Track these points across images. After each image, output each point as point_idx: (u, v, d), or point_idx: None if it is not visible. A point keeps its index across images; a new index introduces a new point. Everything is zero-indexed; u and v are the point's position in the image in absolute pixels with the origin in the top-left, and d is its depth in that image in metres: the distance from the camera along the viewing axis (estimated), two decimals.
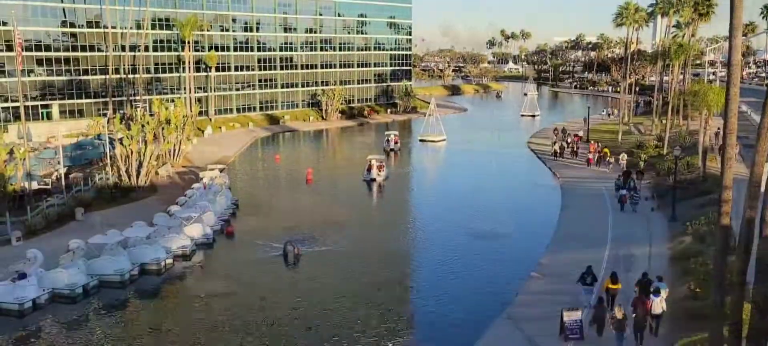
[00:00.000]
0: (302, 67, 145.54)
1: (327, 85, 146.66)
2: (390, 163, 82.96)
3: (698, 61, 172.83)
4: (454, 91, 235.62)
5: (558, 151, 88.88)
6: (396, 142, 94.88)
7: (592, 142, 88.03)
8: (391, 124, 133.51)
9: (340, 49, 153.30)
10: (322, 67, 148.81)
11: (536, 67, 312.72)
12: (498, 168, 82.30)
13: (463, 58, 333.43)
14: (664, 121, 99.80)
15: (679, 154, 56.60)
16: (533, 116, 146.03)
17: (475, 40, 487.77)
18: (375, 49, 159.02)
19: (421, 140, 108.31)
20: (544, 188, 71.14)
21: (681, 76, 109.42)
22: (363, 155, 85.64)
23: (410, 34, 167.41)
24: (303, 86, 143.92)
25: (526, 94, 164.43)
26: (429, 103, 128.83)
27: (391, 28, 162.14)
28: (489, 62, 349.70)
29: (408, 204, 66.47)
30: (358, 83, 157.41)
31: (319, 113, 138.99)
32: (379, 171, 73.62)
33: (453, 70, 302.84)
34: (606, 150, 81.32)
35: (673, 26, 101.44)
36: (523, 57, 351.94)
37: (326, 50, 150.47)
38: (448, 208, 62.75)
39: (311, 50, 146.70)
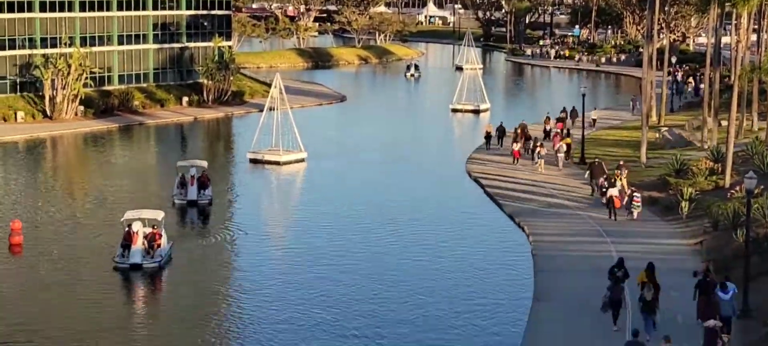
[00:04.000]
0: None
1: (56, 46, 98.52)
2: (183, 223, 57.71)
3: None
4: (320, 59, 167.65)
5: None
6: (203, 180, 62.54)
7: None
8: (191, 127, 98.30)
9: None
10: (43, 11, 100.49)
11: (482, 15, 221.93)
12: (407, 228, 57.68)
13: None
14: (724, 123, 75.83)
15: (754, 187, 42.00)
16: (476, 112, 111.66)
17: None
18: None
19: (252, 161, 77.97)
20: (497, 268, 48.55)
21: (754, 36, 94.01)
22: (122, 201, 59.66)
23: None
24: (2, 50, 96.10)
25: (459, 69, 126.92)
26: (268, 85, 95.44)
27: None
28: (389, 3, 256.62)
29: (218, 300, 43.61)
30: (122, 45, 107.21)
31: (38, 105, 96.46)
32: (151, 249, 49.37)
33: (316, 21, 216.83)
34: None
35: None
36: None
37: None
38: (309, 315, 40.32)
39: None
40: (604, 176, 61.28)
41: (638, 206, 56.26)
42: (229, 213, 59.93)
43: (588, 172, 66.12)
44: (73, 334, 37.84)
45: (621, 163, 64.43)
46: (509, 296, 43.85)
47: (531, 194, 63.12)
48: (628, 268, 39.42)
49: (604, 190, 59.49)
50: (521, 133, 79.27)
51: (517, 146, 74.78)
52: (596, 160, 68.22)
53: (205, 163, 62.86)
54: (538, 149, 71.84)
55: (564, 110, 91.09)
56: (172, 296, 44.45)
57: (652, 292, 35.97)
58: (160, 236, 47.54)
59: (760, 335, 36.05)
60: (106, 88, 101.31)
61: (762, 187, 50.41)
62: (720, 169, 61.65)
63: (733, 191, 55.60)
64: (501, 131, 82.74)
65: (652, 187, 61.73)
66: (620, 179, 60.28)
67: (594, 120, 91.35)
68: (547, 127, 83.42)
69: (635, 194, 57.20)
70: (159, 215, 49.12)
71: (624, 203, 57.25)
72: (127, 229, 47.24)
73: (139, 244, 46.11)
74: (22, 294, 43.17)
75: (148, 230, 47.58)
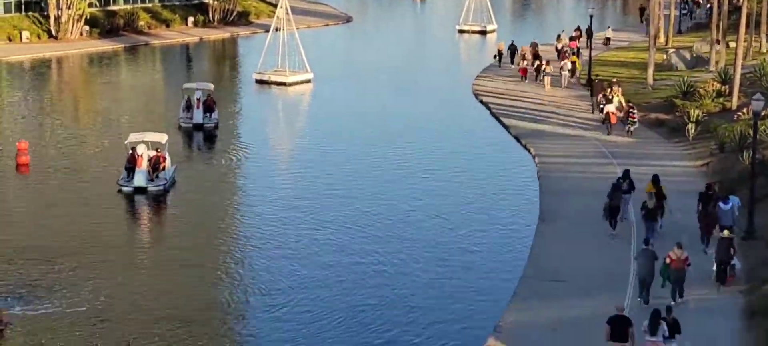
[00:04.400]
0: None
1: None
2: (189, 147, 57.97)
3: None
4: None
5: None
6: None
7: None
8: (196, 48, 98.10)
9: None
10: None
11: None
12: (416, 147, 57.40)
13: None
14: (732, 45, 75.34)
15: (761, 109, 41.01)
16: (483, 32, 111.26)
17: None
18: None
19: (258, 82, 78.58)
20: (501, 180, 48.47)
21: None
22: (127, 123, 60.26)
23: None
24: None
25: None
26: (274, 5, 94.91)
27: None
28: None
29: (223, 224, 43.60)
30: None
31: (43, 25, 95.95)
32: (155, 171, 48.19)
33: None
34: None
35: None
36: None
37: None
38: (313, 239, 40.02)
39: None
40: (603, 93, 61.90)
41: (635, 123, 57.04)
42: (235, 136, 59.70)
43: (589, 89, 66.52)
44: (76, 253, 38.36)
45: (614, 80, 65.39)
46: (515, 217, 44.01)
47: (537, 114, 63.01)
48: (634, 183, 40.12)
49: (601, 107, 60.20)
50: (531, 53, 79.13)
51: (524, 64, 74.62)
52: (597, 77, 68.69)
53: (211, 86, 62.53)
54: (543, 67, 71.83)
55: (578, 29, 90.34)
56: (176, 219, 44.68)
57: (653, 200, 37.00)
58: (165, 158, 47.18)
59: (765, 256, 35.98)
60: (112, 8, 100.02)
61: None
62: (727, 91, 61.48)
63: (739, 113, 55.39)
64: (512, 50, 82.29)
65: (659, 109, 61.47)
66: (617, 96, 61.32)
67: (608, 39, 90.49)
68: (560, 46, 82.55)
69: (632, 110, 57.72)
70: (163, 137, 48.69)
71: (621, 118, 58.30)
72: (131, 152, 46.96)
73: (143, 167, 45.95)
74: (28, 213, 43.42)
75: (152, 152, 47.21)
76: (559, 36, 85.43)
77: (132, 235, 42.29)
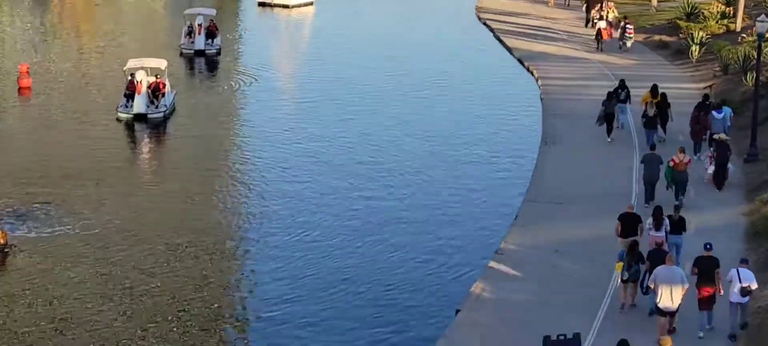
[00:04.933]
0: None
1: None
2: (191, 73, 57.52)
3: None
4: None
5: None
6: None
7: None
8: None
9: None
10: None
11: None
12: (417, 72, 57.16)
13: None
14: None
15: (765, 31, 39.80)
16: None
17: None
18: None
19: (260, 4, 78.02)
20: (503, 102, 48.47)
21: None
22: (129, 49, 58.62)
23: None
24: None
25: None
26: None
27: None
28: None
29: (221, 151, 43.44)
30: None
31: None
32: (155, 97, 47.34)
33: None
34: None
35: None
36: None
37: None
38: (314, 162, 40.05)
39: None
40: (596, 9, 62.43)
41: (631, 37, 57.58)
42: (237, 62, 59.41)
43: (584, 5, 66.80)
44: (75, 177, 38.38)
45: None
46: (519, 139, 44.09)
47: (541, 37, 62.98)
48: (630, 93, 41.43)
49: (594, 22, 61.22)
50: None
51: None
52: None
53: (213, 12, 62.06)
54: None
55: None
56: (174, 145, 44.57)
57: (654, 109, 38.31)
58: (164, 85, 46.69)
59: (767, 177, 35.85)
60: None
61: None
62: (731, 12, 61.11)
63: (744, 35, 55.22)
64: None
65: (663, 31, 61.20)
66: (611, 12, 62.08)
67: None
68: None
69: (628, 25, 58.53)
70: (162, 63, 48.06)
71: (616, 34, 58.76)
72: (130, 78, 46.47)
73: (142, 93, 45.54)
74: (29, 137, 43.59)
75: (152, 79, 46.74)
76: None
77: (130, 161, 42.50)
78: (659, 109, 39.41)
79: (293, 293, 27.80)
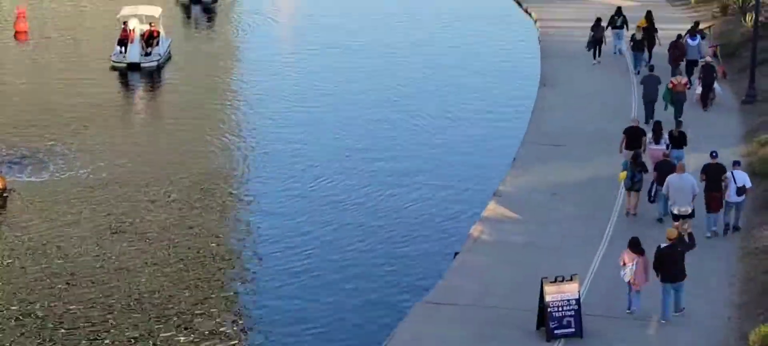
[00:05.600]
0: None
1: None
2: (187, 21, 57.06)
3: None
4: None
5: None
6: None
7: None
8: None
9: None
10: None
11: None
12: (414, 19, 56.60)
13: None
14: None
15: None
16: None
17: None
18: None
19: None
20: (502, 44, 48.52)
21: None
22: None
23: None
24: None
25: None
26: None
27: None
28: None
29: (214, 101, 43.14)
30: None
31: None
32: (149, 46, 46.33)
33: None
34: None
35: None
36: None
37: None
38: (308, 114, 39.79)
39: None
40: None
41: None
42: (235, 10, 58.57)
43: None
44: (70, 125, 38.18)
45: None
46: (518, 80, 44.28)
47: None
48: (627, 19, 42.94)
49: None
50: None
51: None
52: None
53: None
54: None
55: None
56: (168, 94, 44.12)
57: (641, 33, 40.33)
58: (158, 33, 45.90)
59: (765, 118, 35.70)
60: None
61: None
62: None
63: None
64: None
65: None
66: None
67: None
68: None
69: None
70: (156, 11, 47.09)
71: None
72: (123, 25, 45.73)
73: (135, 41, 44.87)
74: (25, 84, 43.65)
75: (146, 27, 45.99)
76: None
77: (124, 110, 42.14)
78: (647, 33, 41.14)
79: (293, 245, 27.88)
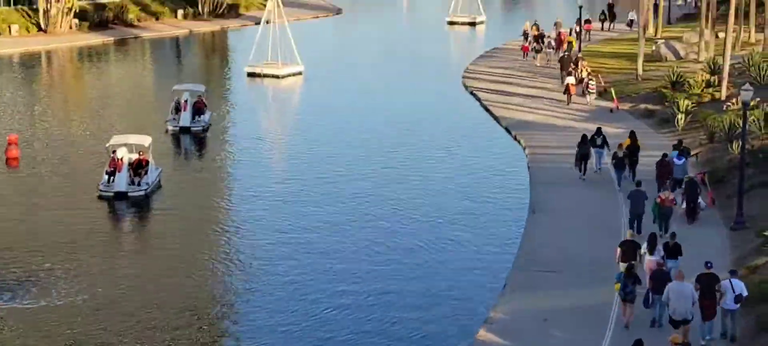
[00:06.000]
0: None
1: None
2: (177, 150, 56.81)
3: None
4: None
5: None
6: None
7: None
8: (186, 41, 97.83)
9: None
10: None
11: None
12: (408, 142, 57.25)
13: None
14: (721, 35, 74.77)
15: (750, 99, 41.08)
16: (472, 24, 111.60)
17: None
18: None
19: (250, 75, 77.58)
20: (493, 171, 48.36)
21: None
22: (115, 122, 59.42)
23: None
24: None
25: None
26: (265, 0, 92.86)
27: None
28: None
29: (204, 230, 43.08)
30: None
31: (32, 18, 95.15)
32: (137, 175, 46.08)
33: None
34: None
35: None
36: None
37: None
38: (302, 236, 39.58)
39: None
40: (569, 69, 67.37)
41: (593, 92, 62.70)
42: (226, 137, 58.53)
43: (559, 65, 71.61)
44: (57, 253, 38.07)
45: (579, 55, 70.59)
46: (507, 207, 44.35)
47: (527, 105, 63.10)
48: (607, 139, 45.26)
49: (563, 79, 66.30)
50: (535, 33, 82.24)
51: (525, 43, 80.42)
52: (565, 53, 72.90)
53: (202, 88, 61.05)
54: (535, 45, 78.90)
55: (603, 12, 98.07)
56: (155, 226, 43.80)
57: (623, 150, 42.78)
58: (147, 162, 45.47)
59: (754, 245, 36.00)
60: (101, 0, 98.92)
61: (758, 99, 49.84)
62: (716, 81, 61.52)
63: (729, 103, 55.45)
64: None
65: (649, 99, 61.37)
66: (585, 69, 66.60)
67: (632, 21, 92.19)
68: (555, 34, 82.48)
69: (591, 82, 63.37)
70: (146, 140, 46.71)
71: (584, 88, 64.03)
72: (112, 155, 45.32)
73: (123, 171, 44.44)
74: (14, 210, 43.81)
75: (134, 156, 45.71)
76: (556, 23, 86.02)
77: (109, 240, 41.79)
78: (629, 151, 43.56)
79: None
